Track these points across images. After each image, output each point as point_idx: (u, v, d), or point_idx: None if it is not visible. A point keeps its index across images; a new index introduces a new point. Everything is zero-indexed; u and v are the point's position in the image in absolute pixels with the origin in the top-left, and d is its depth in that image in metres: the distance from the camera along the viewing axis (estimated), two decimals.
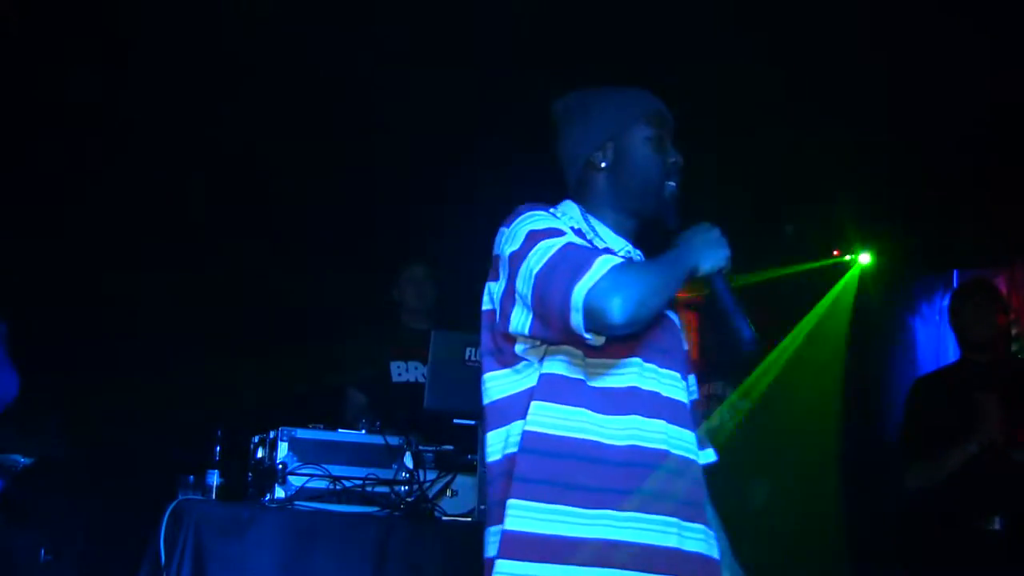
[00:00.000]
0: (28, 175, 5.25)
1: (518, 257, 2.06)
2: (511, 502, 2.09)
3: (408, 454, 3.76)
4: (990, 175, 5.54)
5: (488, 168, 5.72)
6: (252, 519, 3.46)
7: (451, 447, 3.91)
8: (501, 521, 2.09)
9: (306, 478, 3.62)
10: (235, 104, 5.10)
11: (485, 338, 2.17)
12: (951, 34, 4.25)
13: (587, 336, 1.99)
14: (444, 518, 3.72)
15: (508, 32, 4.53)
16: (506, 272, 2.09)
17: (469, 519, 3.77)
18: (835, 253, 6.40)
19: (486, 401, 2.18)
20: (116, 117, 5.13)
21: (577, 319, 1.97)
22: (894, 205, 6.03)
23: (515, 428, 2.12)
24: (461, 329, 3.94)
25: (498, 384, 2.16)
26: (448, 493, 3.84)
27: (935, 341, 6.26)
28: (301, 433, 3.68)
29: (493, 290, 2.14)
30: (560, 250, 2.02)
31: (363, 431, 3.81)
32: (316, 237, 5.98)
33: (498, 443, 2.16)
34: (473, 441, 3.81)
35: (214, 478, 3.73)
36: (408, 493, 3.71)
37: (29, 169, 5.24)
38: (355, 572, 3.51)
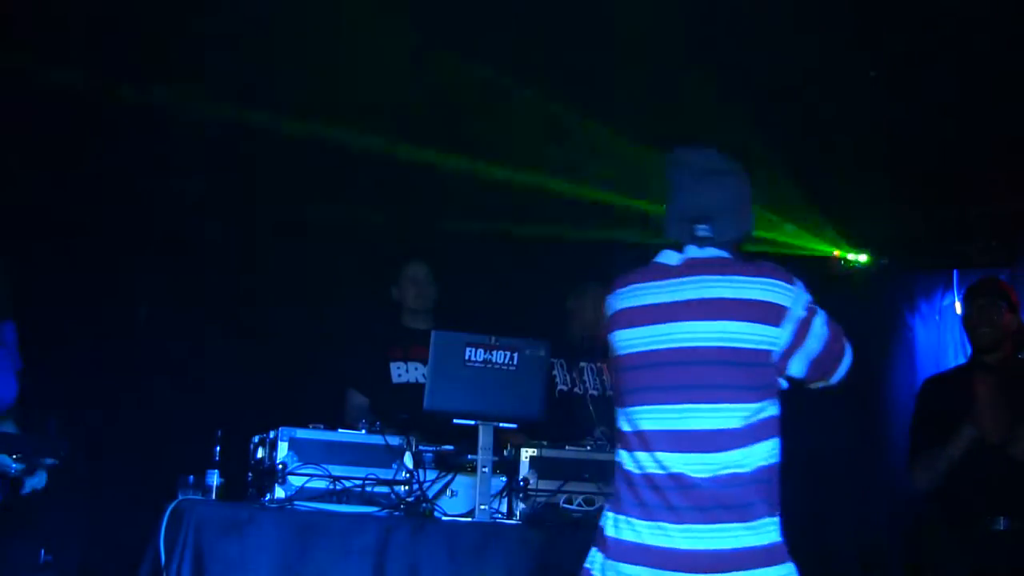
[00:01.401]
0: (28, 176, 5.25)
1: (808, 319, 2.57)
2: (775, 518, 2.54)
3: (408, 454, 3.76)
4: (990, 175, 5.54)
5: (489, 167, 5.73)
6: (252, 519, 3.46)
7: (451, 447, 3.91)
8: (758, 519, 2.49)
9: (306, 478, 3.63)
10: (232, 101, 5.09)
11: (754, 374, 2.52)
12: (950, 35, 4.25)
13: (832, 382, 2.68)
14: (444, 518, 3.72)
15: (509, 26, 4.53)
16: (793, 327, 2.54)
17: (469, 519, 3.77)
18: (835, 253, 6.40)
19: (741, 424, 2.50)
20: (114, 113, 5.13)
21: (844, 370, 2.66)
22: (894, 205, 6.03)
23: (765, 447, 2.53)
24: (461, 329, 3.95)
25: (756, 412, 2.52)
26: (448, 493, 3.85)
27: (935, 341, 6.26)
28: (301, 433, 3.68)
29: (768, 333, 2.52)
30: (832, 318, 2.63)
31: (363, 431, 3.81)
32: (316, 237, 5.99)
33: (759, 456, 2.52)
34: (473, 442, 3.82)
35: (214, 478, 3.73)
36: (408, 493, 3.72)
37: (29, 170, 5.24)
38: (355, 572, 3.50)
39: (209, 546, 3.38)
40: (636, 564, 2.52)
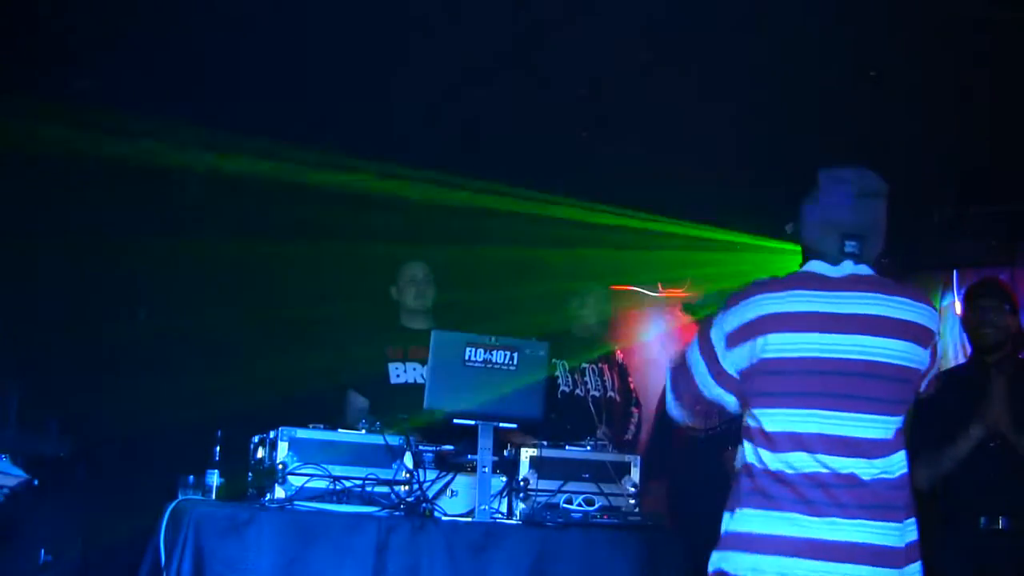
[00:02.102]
0: (29, 171, 5.25)
1: (937, 342, 2.79)
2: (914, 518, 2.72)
3: (408, 454, 3.76)
4: (990, 176, 5.54)
5: (489, 167, 5.73)
6: (252, 519, 3.46)
7: (451, 447, 3.91)
8: (904, 521, 2.68)
9: (306, 478, 3.62)
10: (232, 101, 5.09)
11: (904, 389, 2.72)
12: (950, 36, 4.25)
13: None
14: (444, 518, 3.72)
15: (505, 30, 4.54)
16: (931, 348, 2.75)
17: (469, 519, 3.77)
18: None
19: (892, 435, 2.69)
20: (112, 112, 5.13)
21: None
22: (893, 205, 6.02)
23: (902, 455, 2.72)
24: (460, 329, 3.95)
25: (900, 423, 2.72)
26: (448, 493, 3.85)
27: None
28: (301, 433, 3.68)
29: (919, 354, 2.72)
30: None
31: (363, 431, 3.81)
32: (315, 238, 5.99)
33: (900, 463, 2.71)
34: (473, 442, 3.82)
35: (214, 478, 3.73)
36: (408, 493, 3.72)
37: (30, 164, 5.24)
38: (355, 572, 3.51)
39: (209, 546, 3.39)
40: (803, 557, 2.59)
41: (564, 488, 3.88)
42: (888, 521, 2.63)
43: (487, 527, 3.72)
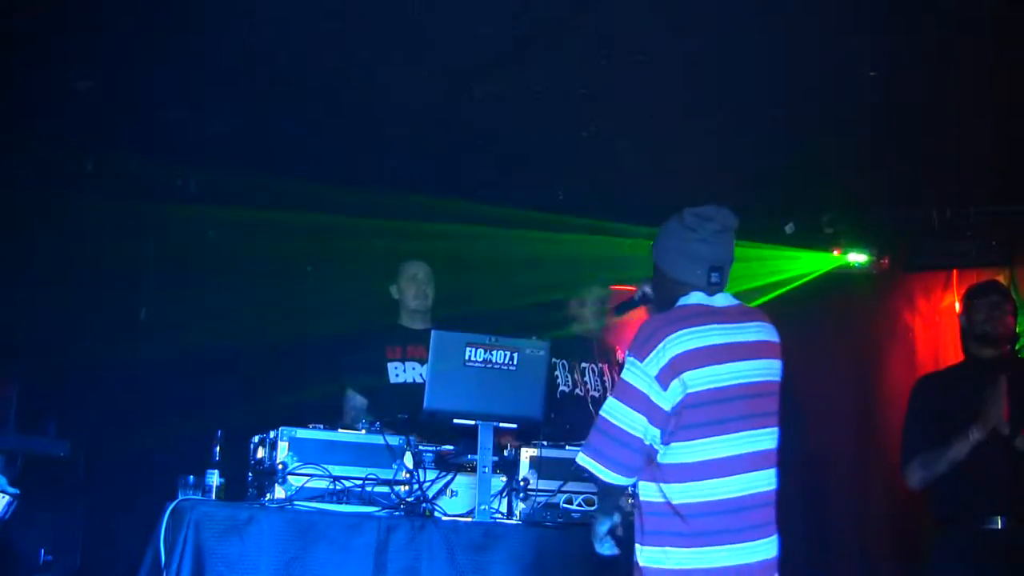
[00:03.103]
0: (30, 173, 5.25)
1: None
2: None
3: (408, 454, 3.76)
4: (990, 176, 5.54)
5: (488, 168, 5.73)
6: (252, 519, 3.47)
7: (451, 447, 3.91)
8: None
9: (306, 478, 3.63)
10: (231, 103, 5.09)
11: (778, 401, 2.96)
12: (951, 36, 4.26)
13: None
14: (444, 518, 3.72)
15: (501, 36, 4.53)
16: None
17: (469, 519, 3.77)
18: (835, 252, 6.40)
19: (776, 446, 2.93)
20: (114, 115, 5.13)
21: None
22: (894, 205, 6.03)
23: None
24: (460, 329, 3.95)
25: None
26: (448, 493, 3.85)
27: (935, 341, 6.26)
28: (301, 433, 3.68)
29: (780, 368, 2.98)
30: None
31: (363, 431, 3.81)
32: (314, 238, 5.99)
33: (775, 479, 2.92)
34: (472, 442, 3.82)
35: (214, 478, 3.73)
36: (408, 493, 3.72)
37: (31, 167, 5.24)
38: (355, 572, 3.51)
39: (209, 546, 3.39)
40: None
41: (564, 488, 3.88)
42: (775, 534, 2.88)
43: (487, 527, 3.72)
